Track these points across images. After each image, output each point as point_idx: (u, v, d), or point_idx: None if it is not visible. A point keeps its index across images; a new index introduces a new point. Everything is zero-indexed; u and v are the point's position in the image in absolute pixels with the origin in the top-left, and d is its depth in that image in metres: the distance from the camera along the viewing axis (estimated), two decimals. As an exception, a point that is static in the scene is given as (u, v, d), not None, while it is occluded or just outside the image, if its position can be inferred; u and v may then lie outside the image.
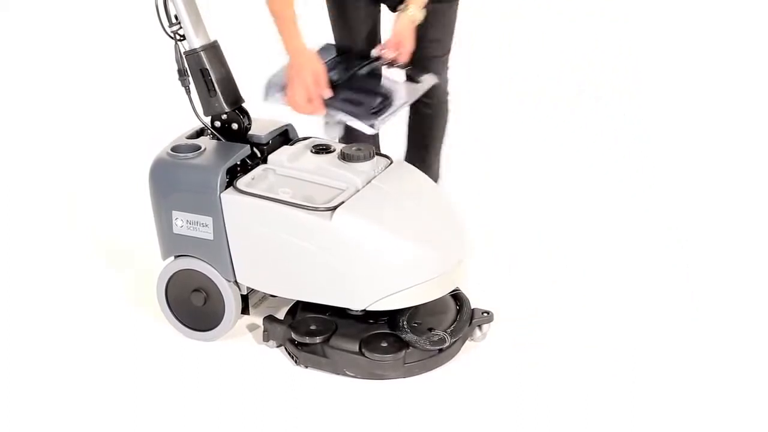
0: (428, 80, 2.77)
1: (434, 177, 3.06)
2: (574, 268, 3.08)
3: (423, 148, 3.09)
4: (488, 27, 4.83)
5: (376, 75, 2.78)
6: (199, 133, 2.74)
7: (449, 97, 3.05)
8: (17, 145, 4.00)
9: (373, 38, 2.88)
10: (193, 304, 2.67)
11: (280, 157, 2.64)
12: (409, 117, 3.07)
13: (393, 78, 2.78)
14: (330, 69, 2.64)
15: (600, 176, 3.73)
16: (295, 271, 2.52)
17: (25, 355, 2.71)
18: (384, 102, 2.64)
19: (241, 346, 2.70)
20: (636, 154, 3.91)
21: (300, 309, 2.66)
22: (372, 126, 2.56)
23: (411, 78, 2.79)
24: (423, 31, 2.79)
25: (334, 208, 2.45)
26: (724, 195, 3.59)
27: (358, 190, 2.54)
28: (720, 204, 3.52)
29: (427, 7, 2.74)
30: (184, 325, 2.71)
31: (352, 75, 2.71)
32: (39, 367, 2.65)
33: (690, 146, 3.99)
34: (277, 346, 2.65)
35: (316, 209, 2.46)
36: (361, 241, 2.45)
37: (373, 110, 2.60)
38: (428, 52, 2.86)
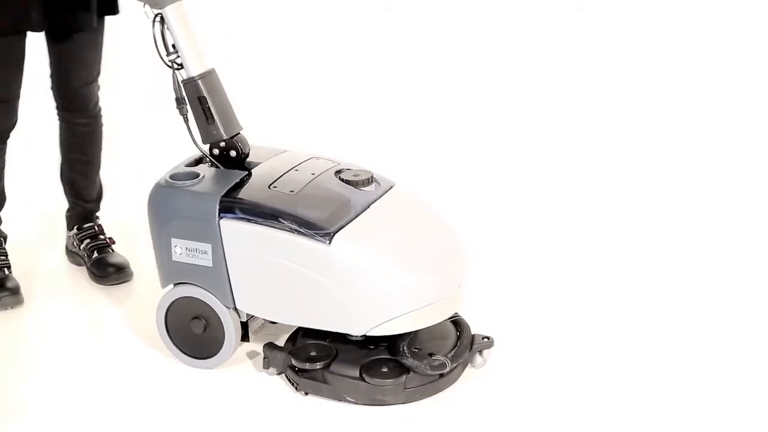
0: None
1: (99, 192, 3.20)
2: (574, 287, 3.08)
3: (86, 164, 3.14)
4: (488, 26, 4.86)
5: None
6: (198, 161, 2.75)
7: (101, 112, 3.10)
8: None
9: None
10: (193, 332, 2.66)
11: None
12: (65, 138, 3.10)
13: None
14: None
15: (598, 189, 3.75)
16: (294, 296, 2.52)
17: (22, 378, 2.70)
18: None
19: (241, 374, 2.68)
20: (632, 161, 3.93)
21: (300, 335, 2.66)
22: None
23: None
24: (71, 63, 2.92)
25: (334, 234, 2.46)
26: (724, 195, 3.60)
27: (357, 215, 2.54)
28: (719, 204, 3.53)
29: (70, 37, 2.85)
30: (184, 353, 2.70)
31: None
32: (35, 395, 2.62)
33: (689, 146, 4.00)
34: (278, 374, 2.64)
35: (315, 235, 2.46)
36: (360, 266, 2.46)
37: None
38: (81, 80, 2.97)
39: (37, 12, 2.78)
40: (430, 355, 2.53)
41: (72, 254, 3.24)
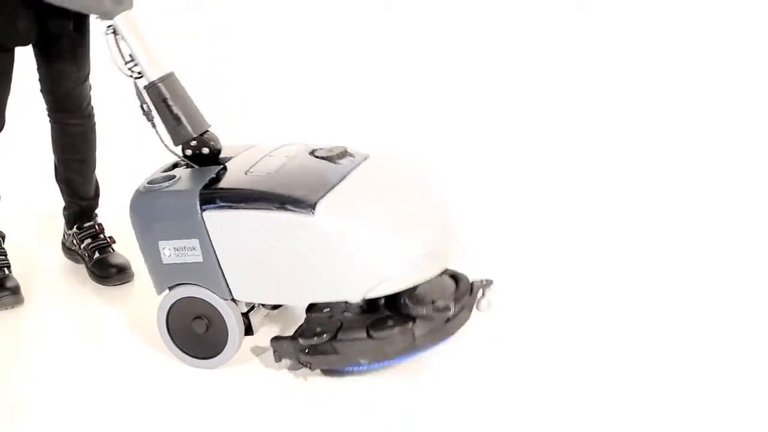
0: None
1: (96, 189, 3.21)
2: (572, 269, 3.10)
3: (82, 163, 3.14)
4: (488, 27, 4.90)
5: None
6: (174, 166, 2.77)
7: (93, 111, 3.10)
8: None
9: None
10: (197, 333, 2.66)
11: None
12: (59, 139, 3.09)
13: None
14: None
15: (597, 189, 3.76)
16: (287, 275, 2.52)
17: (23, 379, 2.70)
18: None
19: (245, 373, 2.68)
20: (630, 158, 3.95)
21: (305, 320, 2.66)
22: None
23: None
24: (61, 66, 2.93)
25: (315, 204, 2.46)
26: (724, 195, 3.61)
27: (336, 184, 2.55)
28: (719, 204, 3.53)
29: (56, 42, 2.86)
30: (191, 355, 2.69)
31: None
32: (34, 395, 2.62)
33: (689, 145, 4.02)
34: (294, 362, 2.62)
35: (297, 209, 2.47)
36: (346, 230, 2.46)
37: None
38: (73, 81, 2.98)
39: (23, 26, 2.79)
40: (432, 302, 2.53)
41: (70, 252, 3.25)
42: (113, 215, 3.27)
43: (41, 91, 3.03)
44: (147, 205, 2.62)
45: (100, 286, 3.14)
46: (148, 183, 2.65)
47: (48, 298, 3.08)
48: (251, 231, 2.51)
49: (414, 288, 2.56)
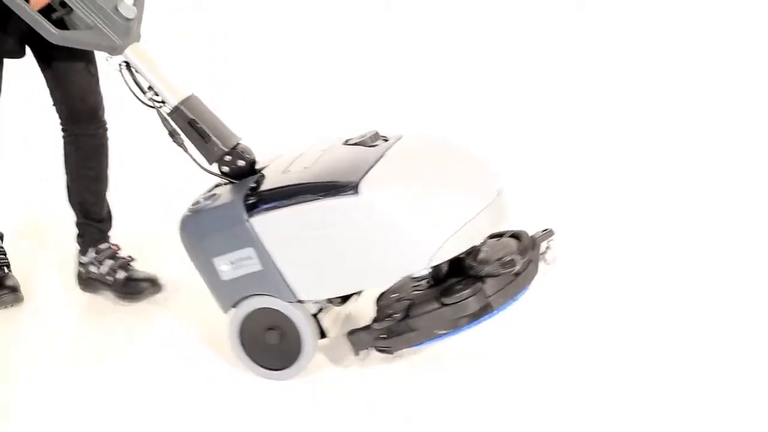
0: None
1: (108, 210, 3.12)
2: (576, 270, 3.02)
3: (96, 181, 3.06)
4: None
5: None
6: (214, 188, 2.74)
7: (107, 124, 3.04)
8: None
9: None
10: (272, 344, 2.61)
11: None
12: (73, 153, 3.01)
13: None
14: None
15: (596, 190, 3.71)
16: (346, 262, 2.47)
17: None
18: None
19: (246, 375, 2.66)
20: (630, 159, 3.89)
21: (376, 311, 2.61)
22: None
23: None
24: (71, 68, 2.86)
25: (358, 184, 2.42)
26: (724, 195, 3.55)
27: (373, 165, 2.51)
28: (720, 204, 3.47)
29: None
30: (271, 369, 2.65)
31: None
32: (34, 395, 2.62)
33: (689, 145, 3.96)
34: (373, 350, 2.57)
35: (341, 192, 2.42)
36: (395, 201, 2.42)
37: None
38: (86, 82, 2.92)
39: (11, 39, 2.77)
40: (497, 259, 2.46)
41: (88, 282, 3.12)
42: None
43: (54, 104, 2.98)
44: (194, 225, 2.60)
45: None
46: (193, 205, 2.63)
47: (48, 298, 3.08)
48: (301, 226, 2.48)
49: (477, 252, 2.50)
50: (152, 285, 3.06)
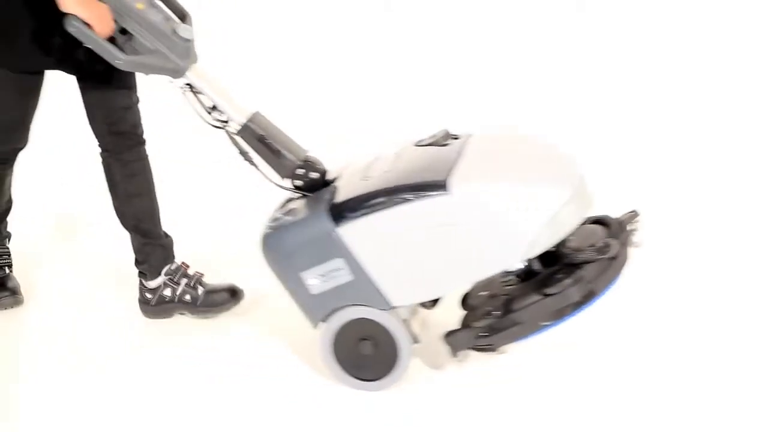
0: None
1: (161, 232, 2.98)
2: None
3: (148, 198, 2.93)
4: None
5: None
6: (287, 203, 2.70)
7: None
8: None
9: None
10: (366, 355, 2.57)
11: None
12: (117, 174, 2.88)
13: None
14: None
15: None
16: (441, 262, 2.43)
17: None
18: None
19: (247, 375, 2.69)
20: (631, 157, 3.89)
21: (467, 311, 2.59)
22: None
23: None
24: (109, 87, 2.75)
25: (446, 183, 2.39)
26: (723, 195, 3.57)
27: (457, 161, 2.48)
28: (719, 203, 3.49)
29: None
30: (366, 380, 2.60)
31: None
32: (34, 395, 2.63)
33: (689, 146, 3.97)
34: (464, 353, 2.56)
35: (431, 192, 2.39)
36: (487, 198, 2.38)
37: None
38: (125, 103, 2.81)
39: (55, 55, 2.65)
40: (590, 245, 2.45)
41: (159, 308, 2.98)
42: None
43: (92, 123, 2.83)
44: (278, 242, 2.55)
45: (98, 286, 3.06)
46: (272, 222, 2.59)
47: (48, 298, 3.06)
48: (392, 230, 2.44)
49: (566, 240, 2.48)
50: (233, 294, 2.96)
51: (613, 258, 2.45)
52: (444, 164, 2.46)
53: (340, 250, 2.47)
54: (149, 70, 2.57)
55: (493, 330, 2.46)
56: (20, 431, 2.50)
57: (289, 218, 2.56)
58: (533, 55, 4.86)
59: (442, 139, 2.61)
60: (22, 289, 3.04)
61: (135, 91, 2.85)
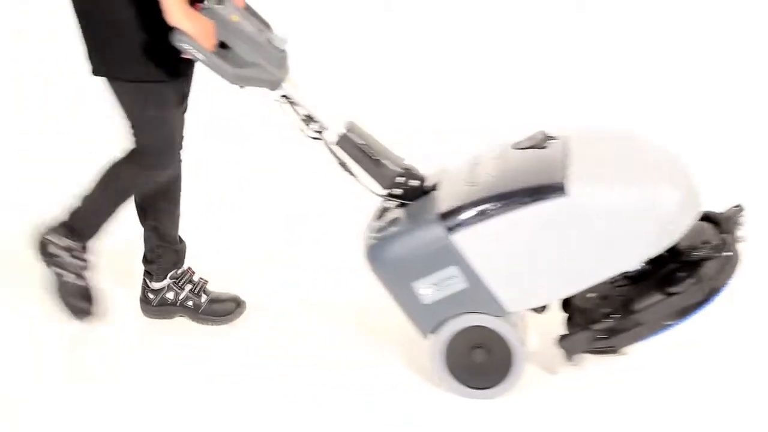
0: None
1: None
2: None
3: (176, 204, 2.91)
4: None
5: None
6: (383, 212, 2.65)
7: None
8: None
9: None
10: (478, 363, 2.52)
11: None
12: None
13: None
14: None
15: None
16: (559, 265, 2.41)
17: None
18: None
19: (247, 376, 2.68)
20: None
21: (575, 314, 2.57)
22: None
23: None
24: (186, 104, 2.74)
25: (562, 185, 2.36)
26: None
27: (566, 161, 2.44)
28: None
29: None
30: (479, 388, 2.56)
31: None
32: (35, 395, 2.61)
33: (689, 146, 3.95)
34: (590, 353, 2.53)
35: (548, 195, 2.36)
36: (607, 199, 2.36)
37: None
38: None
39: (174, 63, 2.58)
40: (704, 243, 2.43)
41: (160, 309, 2.95)
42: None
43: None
44: (388, 253, 2.50)
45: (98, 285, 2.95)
46: (377, 233, 2.54)
47: (48, 298, 2.95)
48: (508, 235, 2.40)
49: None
50: (238, 305, 2.94)
51: (730, 254, 2.43)
52: (555, 166, 2.43)
53: (454, 258, 2.43)
54: (251, 82, 2.51)
55: (613, 332, 2.44)
56: (19, 430, 2.47)
57: (393, 229, 2.51)
58: (533, 55, 4.83)
59: (542, 141, 2.58)
60: (21, 288, 3.02)
61: None
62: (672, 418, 2.44)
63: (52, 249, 2.76)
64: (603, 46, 4.80)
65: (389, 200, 2.61)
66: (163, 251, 2.90)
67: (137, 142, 2.64)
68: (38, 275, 2.97)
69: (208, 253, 3.17)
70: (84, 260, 2.79)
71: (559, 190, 2.35)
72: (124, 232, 2.90)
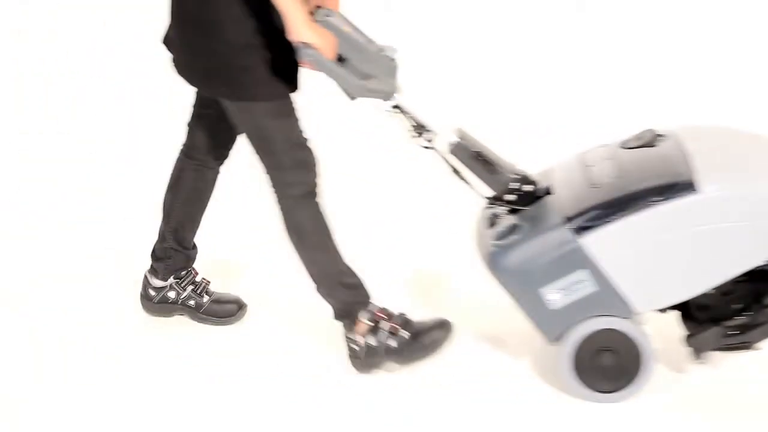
0: None
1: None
2: None
3: (202, 211, 2.88)
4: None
5: None
6: (493, 218, 2.61)
7: None
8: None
9: None
10: (605, 366, 2.49)
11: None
12: (191, 184, 2.81)
13: None
14: None
15: None
16: (692, 264, 2.39)
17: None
18: None
19: (247, 376, 2.67)
20: None
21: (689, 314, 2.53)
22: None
23: None
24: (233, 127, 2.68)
25: (691, 183, 2.34)
26: None
27: (687, 159, 2.42)
28: None
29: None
30: (605, 392, 2.52)
31: None
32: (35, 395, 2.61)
33: None
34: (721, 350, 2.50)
35: (678, 193, 2.34)
36: (741, 195, 2.35)
37: None
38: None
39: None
40: None
41: (161, 306, 2.93)
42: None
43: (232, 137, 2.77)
44: (511, 260, 2.47)
45: (99, 285, 3.02)
46: (498, 240, 2.50)
47: (48, 297, 3.02)
48: (639, 236, 2.38)
49: None
50: (240, 307, 2.93)
51: None
52: (678, 164, 2.41)
53: (584, 262, 2.40)
54: (372, 94, 2.46)
55: (746, 327, 2.42)
56: (19, 430, 2.46)
57: (515, 236, 2.48)
58: (532, 55, 4.83)
59: (652, 140, 2.56)
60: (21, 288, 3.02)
61: None
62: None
63: (376, 337, 2.65)
64: (603, 46, 4.80)
65: (500, 205, 2.57)
66: (174, 253, 2.89)
67: (285, 165, 2.55)
68: (38, 275, 3.08)
69: (209, 251, 3.11)
70: (385, 316, 2.68)
71: (690, 187, 2.33)
72: (124, 232, 2.91)
